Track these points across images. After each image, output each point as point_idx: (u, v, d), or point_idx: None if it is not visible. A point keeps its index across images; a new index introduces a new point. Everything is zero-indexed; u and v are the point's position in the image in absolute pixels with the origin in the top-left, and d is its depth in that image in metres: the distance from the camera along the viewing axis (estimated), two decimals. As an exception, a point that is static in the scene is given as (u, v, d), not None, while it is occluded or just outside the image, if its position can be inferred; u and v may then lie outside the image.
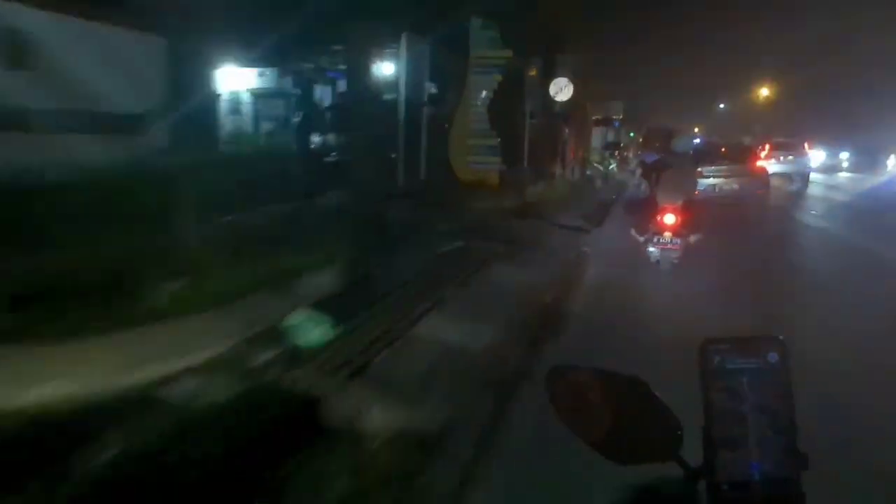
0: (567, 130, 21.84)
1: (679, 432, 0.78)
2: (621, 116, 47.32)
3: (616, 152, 32.92)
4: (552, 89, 17.12)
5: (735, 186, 13.88)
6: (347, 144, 10.79)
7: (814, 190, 20.28)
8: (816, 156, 27.01)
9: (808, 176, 20.98)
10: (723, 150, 15.33)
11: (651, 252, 6.76)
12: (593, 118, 32.99)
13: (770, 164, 18.65)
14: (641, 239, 6.88)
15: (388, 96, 11.61)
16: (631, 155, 42.48)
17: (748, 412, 0.72)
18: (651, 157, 10.46)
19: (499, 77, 12.70)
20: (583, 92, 22.02)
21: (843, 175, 27.97)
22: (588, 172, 24.51)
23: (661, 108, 54.40)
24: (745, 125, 44.10)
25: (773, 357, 0.74)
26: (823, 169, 28.29)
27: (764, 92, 41.43)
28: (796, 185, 19.72)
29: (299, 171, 9.75)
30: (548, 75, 17.22)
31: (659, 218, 6.68)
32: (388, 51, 11.61)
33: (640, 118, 52.66)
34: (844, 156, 30.34)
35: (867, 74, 30.92)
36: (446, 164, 12.91)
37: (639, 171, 13.33)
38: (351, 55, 10.56)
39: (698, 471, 0.75)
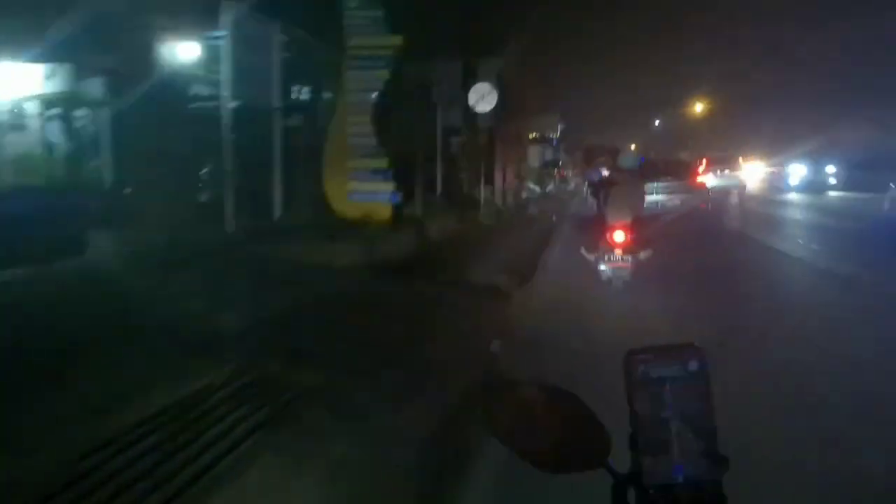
0: (498, 148, 18.30)
1: (608, 440, 0.81)
2: (559, 134, 44.86)
3: (556, 171, 29.88)
4: (471, 97, 13.52)
5: (678, 202, 14.37)
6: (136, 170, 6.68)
7: (792, 213, 18.14)
8: (796, 170, 25.40)
9: (745, 188, 22.56)
10: (664, 166, 15.41)
11: (602, 270, 6.76)
12: (531, 136, 29.73)
13: (708, 179, 19.72)
14: (592, 258, 6.87)
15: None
16: (571, 174, 40.34)
17: (671, 418, 0.76)
18: (596, 175, 10.10)
19: (385, 74, 8.84)
20: (516, 103, 18.62)
21: (835, 194, 23.05)
22: (525, 195, 21.02)
23: (598, 125, 53.97)
24: (680, 141, 44.07)
25: (693, 365, 0.77)
26: (806, 186, 24.70)
27: (698, 107, 40.85)
28: (734, 198, 20.20)
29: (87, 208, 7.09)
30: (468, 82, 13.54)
31: (609, 236, 6.73)
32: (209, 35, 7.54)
33: (577, 136, 51.44)
34: (831, 170, 24.89)
35: (805, 84, 29.68)
36: (316, 195, 8.89)
37: (587, 190, 12.71)
38: (137, 41, 6.50)
39: (626, 476, 0.78)
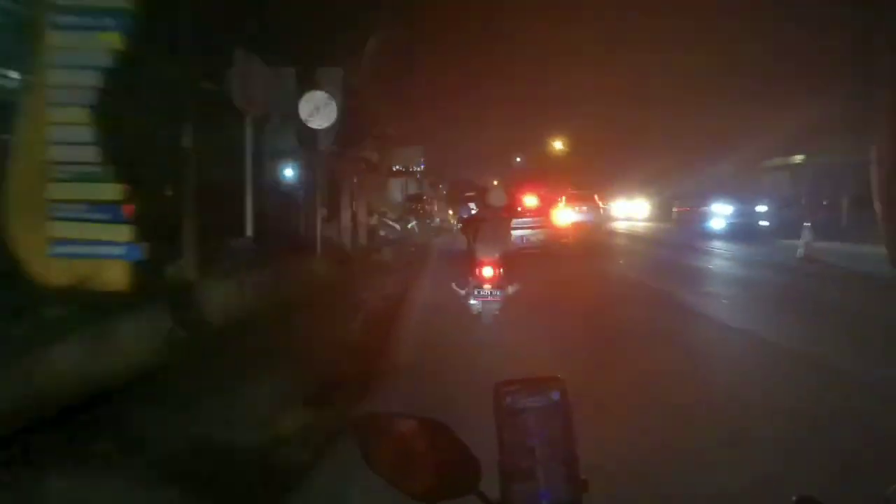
0: (347, 179, 14.75)
1: (478, 468, 0.83)
2: (422, 167, 41.99)
3: (419, 207, 26.86)
4: (303, 109, 9.94)
5: (542, 237, 14.77)
6: None
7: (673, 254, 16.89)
8: (721, 209, 22.45)
9: (601, 224, 24.29)
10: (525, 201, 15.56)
11: (473, 305, 6.84)
12: (394, 167, 26.62)
13: (568, 214, 20.55)
14: (462, 292, 6.94)
15: None
16: (436, 209, 37.89)
17: (536, 446, 0.81)
18: (466, 212, 10.17)
19: (113, 40, 4.83)
20: (371, 127, 15.30)
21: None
22: (382, 233, 17.45)
23: (462, 160, 53.05)
24: (542, 177, 43.56)
25: (555, 395, 0.82)
26: (732, 232, 19.93)
27: (558, 145, 41.34)
28: (593, 231, 21.59)
29: None
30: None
31: (478, 271, 6.84)
32: None
33: (441, 170, 49.70)
34: (762, 209, 21.23)
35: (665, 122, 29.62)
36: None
37: (457, 226, 12.98)
38: None
39: (496, 502, 0.81)
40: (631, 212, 36.12)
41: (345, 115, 11.50)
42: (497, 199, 7.85)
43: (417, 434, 0.87)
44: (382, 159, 20.14)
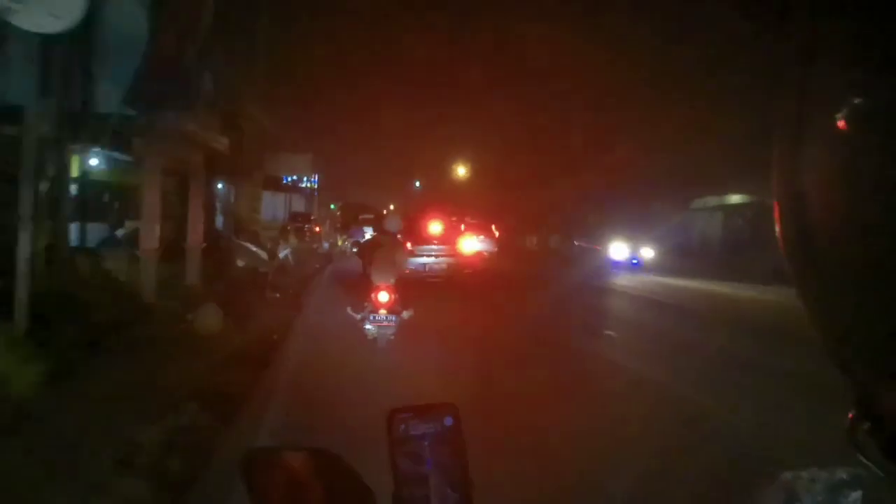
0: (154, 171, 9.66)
1: (372, 499, 0.84)
2: (315, 183, 36.54)
3: (305, 229, 21.99)
4: None
5: (446, 265, 14.74)
6: None
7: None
8: (617, 249, 23.39)
9: (494, 252, 24.18)
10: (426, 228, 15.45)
11: (368, 329, 6.93)
12: (267, 175, 21.49)
13: (471, 243, 20.95)
14: (358, 317, 7.02)
15: None
16: (326, 231, 33.16)
17: (429, 473, 0.80)
18: (360, 235, 10.20)
19: None
20: (213, 89, 10.77)
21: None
22: (241, 263, 12.77)
23: (359, 181, 49.92)
24: (441, 203, 40.89)
25: (448, 420, 0.82)
26: (617, 268, 21.94)
27: (461, 171, 39.36)
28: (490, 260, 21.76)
29: None
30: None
31: (374, 296, 6.93)
32: None
33: (336, 192, 45.55)
34: (647, 251, 22.76)
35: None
36: None
37: (350, 248, 12.81)
38: None
39: None
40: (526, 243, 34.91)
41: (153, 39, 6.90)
42: (393, 223, 7.93)
43: (308, 466, 0.85)
44: (245, 157, 15.17)
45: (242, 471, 0.84)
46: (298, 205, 29.71)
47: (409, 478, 0.79)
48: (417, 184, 50.91)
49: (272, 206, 25.17)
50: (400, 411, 0.82)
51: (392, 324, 6.88)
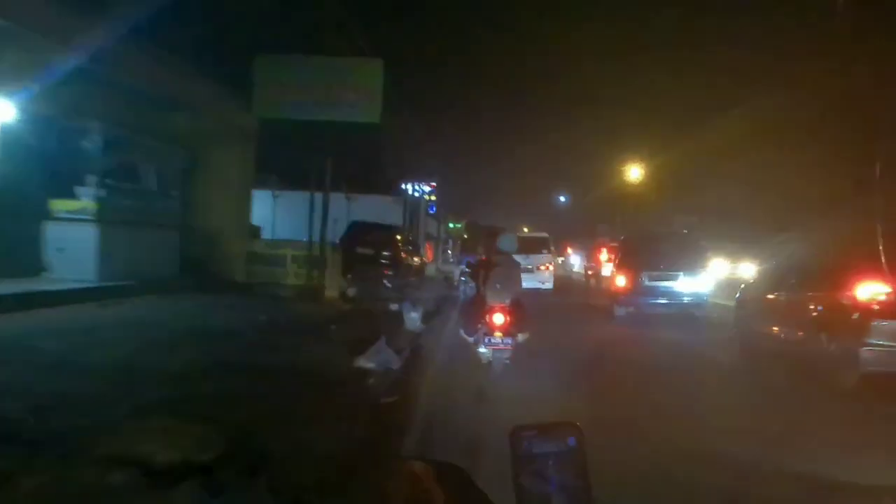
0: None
1: None
2: (423, 190, 31.82)
3: (385, 256, 13.94)
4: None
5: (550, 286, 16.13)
6: None
7: None
8: None
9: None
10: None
11: (482, 353, 6.73)
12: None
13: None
14: (471, 340, 6.89)
15: None
16: (446, 253, 26.27)
17: (552, 491, 0.83)
18: (471, 259, 9.01)
19: None
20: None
21: None
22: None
23: (487, 198, 44.51)
24: (597, 219, 36.01)
25: (572, 441, 0.86)
26: None
27: (633, 173, 30.87)
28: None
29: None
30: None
31: (488, 317, 6.67)
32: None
33: (454, 206, 39.09)
34: None
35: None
36: None
37: (459, 276, 11.64)
38: None
39: None
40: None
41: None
42: (508, 243, 7.59)
43: (433, 476, 0.89)
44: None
45: (379, 476, 0.96)
46: (388, 213, 21.79)
47: (532, 497, 0.82)
48: (562, 198, 44.19)
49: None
50: (523, 429, 0.86)
51: (508, 347, 6.61)
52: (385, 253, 14.25)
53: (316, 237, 11.34)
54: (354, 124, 11.42)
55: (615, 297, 12.11)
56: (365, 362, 6.16)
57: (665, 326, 10.80)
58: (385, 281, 14.03)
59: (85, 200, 9.11)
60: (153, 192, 10.97)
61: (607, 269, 24.55)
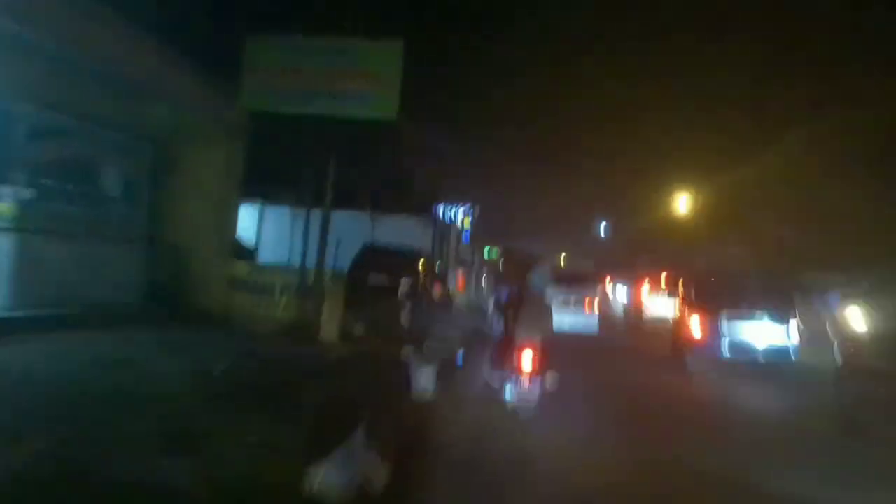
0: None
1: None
2: (467, 220, 29.71)
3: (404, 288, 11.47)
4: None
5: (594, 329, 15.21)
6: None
7: None
8: None
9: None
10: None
11: (508, 400, 6.41)
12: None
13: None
14: (496, 382, 6.58)
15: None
16: (477, 283, 27.88)
17: None
18: (503, 293, 8.15)
19: None
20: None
21: None
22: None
23: (525, 226, 41.02)
24: (637, 251, 34.73)
25: None
26: None
27: (681, 202, 28.18)
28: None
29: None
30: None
31: (516, 357, 6.39)
32: None
33: (489, 232, 37.02)
34: None
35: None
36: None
37: (492, 312, 9.35)
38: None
39: None
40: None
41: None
42: (540, 280, 7.18)
43: None
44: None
45: None
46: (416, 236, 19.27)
47: None
48: (602, 229, 41.02)
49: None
50: None
51: (535, 393, 6.26)
52: (403, 283, 11.96)
53: (312, 261, 9.11)
54: (366, 120, 9.26)
55: (686, 343, 10.51)
56: (325, 480, 3.70)
57: (746, 382, 9.51)
58: (402, 318, 11.64)
59: (1, 204, 7.07)
60: (111, 198, 8.83)
61: (652, 305, 22.79)
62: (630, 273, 31.18)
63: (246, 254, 13.85)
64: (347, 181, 19.46)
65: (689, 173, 28.83)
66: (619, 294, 29.91)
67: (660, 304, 22.58)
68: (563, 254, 47.03)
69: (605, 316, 19.82)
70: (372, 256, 13.54)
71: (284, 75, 9.14)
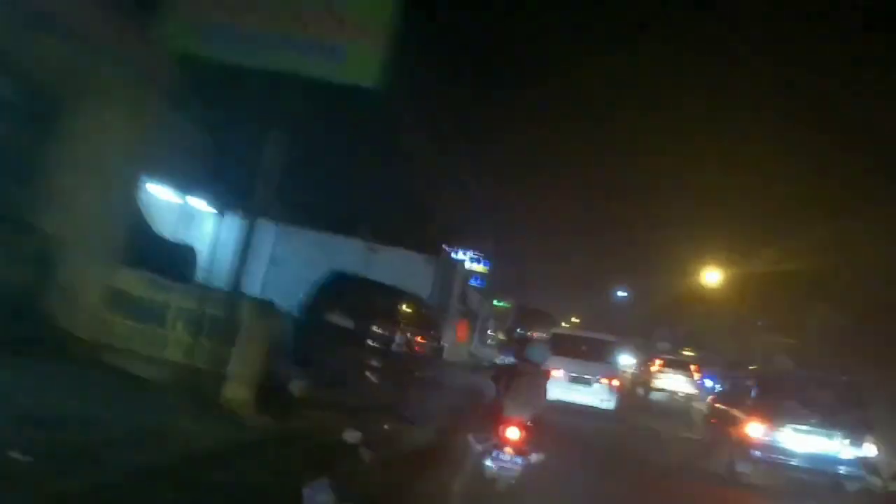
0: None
1: None
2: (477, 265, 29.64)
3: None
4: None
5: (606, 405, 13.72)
6: None
7: None
8: None
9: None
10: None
11: (488, 466, 6.18)
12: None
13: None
14: (479, 448, 6.29)
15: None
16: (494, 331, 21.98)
17: None
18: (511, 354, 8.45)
19: None
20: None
21: None
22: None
23: (539, 282, 40.53)
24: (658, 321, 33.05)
25: None
26: None
27: (710, 278, 25.40)
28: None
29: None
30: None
31: (502, 430, 6.13)
32: None
33: (503, 285, 34.96)
34: None
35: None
36: None
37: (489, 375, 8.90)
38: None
39: None
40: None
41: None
42: (538, 354, 6.82)
43: None
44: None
45: None
46: (415, 275, 16.23)
47: None
48: (622, 294, 39.84)
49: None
50: None
51: (517, 466, 6.09)
52: (376, 329, 8.86)
53: (221, 279, 6.18)
54: (334, 84, 6.41)
55: (741, 444, 9.36)
56: None
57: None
58: (369, 373, 8.49)
59: None
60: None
61: (661, 381, 22.41)
62: (647, 342, 29.54)
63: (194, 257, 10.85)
64: (342, 198, 16.35)
65: (721, 247, 26.22)
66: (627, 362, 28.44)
67: (671, 379, 22.40)
68: (574, 318, 44.07)
69: (625, 392, 16.91)
70: (340, 288, 10.45)
71: (228, 8, 6.41)
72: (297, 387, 7.38)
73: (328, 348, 8.22)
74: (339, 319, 8.67)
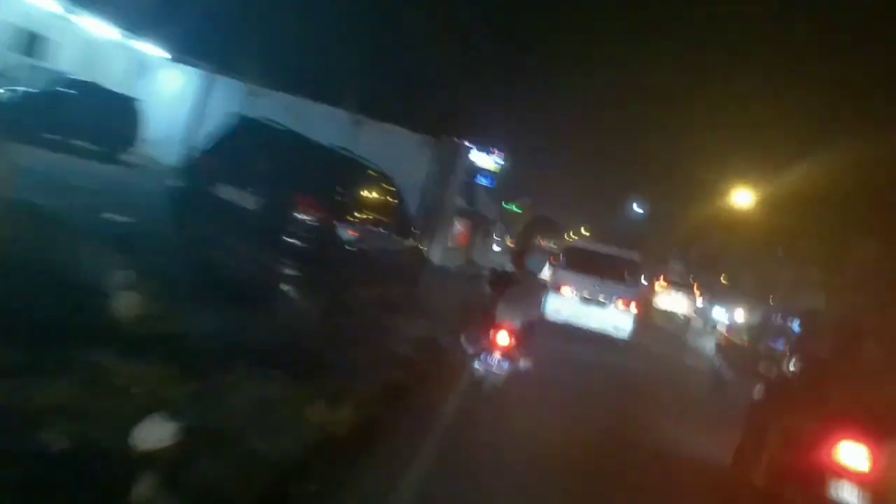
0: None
1: None
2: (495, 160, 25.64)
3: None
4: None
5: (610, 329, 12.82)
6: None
7: None
8: None
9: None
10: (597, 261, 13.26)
11: (476, 369, 6.44)
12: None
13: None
14: (469, 350, 6.59)
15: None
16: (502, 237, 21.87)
17: None
18: (534, 266, 7.28)
19: None
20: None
21: None
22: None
23: (550, 189, 38.87)
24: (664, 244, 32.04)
25: None
26: None
27: (743, 198, 22.41)
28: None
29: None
30: None
31: (492, 334, 6.31)
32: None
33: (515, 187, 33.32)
34: None
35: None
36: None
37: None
38: None
39: None
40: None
41: None
42: (537, 264, 6.88)
43: None
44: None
45: None
46: (407, 158, 13.87)
47: None
48: (636, 207, 37.27)
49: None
50: None
51: (503, 371, 6.26)
52: (300, 216, 5.63)
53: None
54: None
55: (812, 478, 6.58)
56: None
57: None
58: (284, 285, 5.73)
59: None
60: None
61: (661, 301, 22.70)
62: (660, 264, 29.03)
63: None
64: (329, 60, 13.74)
65: (754, 166, 23.68)
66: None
67: (673, 300, 22.65)
68: (584, 230, 42.06)
69: (643, 319, 15.36)
70: (248, 143, 6.50)
71: None
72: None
73: (209, 236, 5.80)
74: (235, 195, 5.80)
